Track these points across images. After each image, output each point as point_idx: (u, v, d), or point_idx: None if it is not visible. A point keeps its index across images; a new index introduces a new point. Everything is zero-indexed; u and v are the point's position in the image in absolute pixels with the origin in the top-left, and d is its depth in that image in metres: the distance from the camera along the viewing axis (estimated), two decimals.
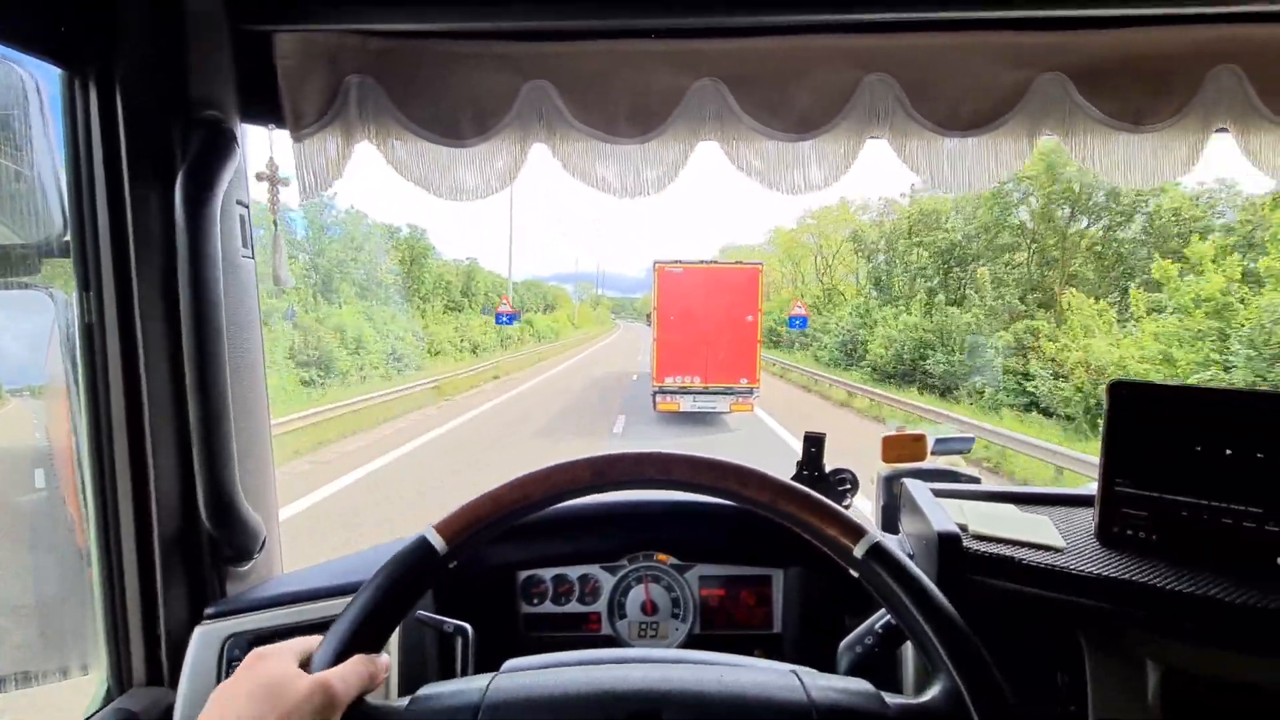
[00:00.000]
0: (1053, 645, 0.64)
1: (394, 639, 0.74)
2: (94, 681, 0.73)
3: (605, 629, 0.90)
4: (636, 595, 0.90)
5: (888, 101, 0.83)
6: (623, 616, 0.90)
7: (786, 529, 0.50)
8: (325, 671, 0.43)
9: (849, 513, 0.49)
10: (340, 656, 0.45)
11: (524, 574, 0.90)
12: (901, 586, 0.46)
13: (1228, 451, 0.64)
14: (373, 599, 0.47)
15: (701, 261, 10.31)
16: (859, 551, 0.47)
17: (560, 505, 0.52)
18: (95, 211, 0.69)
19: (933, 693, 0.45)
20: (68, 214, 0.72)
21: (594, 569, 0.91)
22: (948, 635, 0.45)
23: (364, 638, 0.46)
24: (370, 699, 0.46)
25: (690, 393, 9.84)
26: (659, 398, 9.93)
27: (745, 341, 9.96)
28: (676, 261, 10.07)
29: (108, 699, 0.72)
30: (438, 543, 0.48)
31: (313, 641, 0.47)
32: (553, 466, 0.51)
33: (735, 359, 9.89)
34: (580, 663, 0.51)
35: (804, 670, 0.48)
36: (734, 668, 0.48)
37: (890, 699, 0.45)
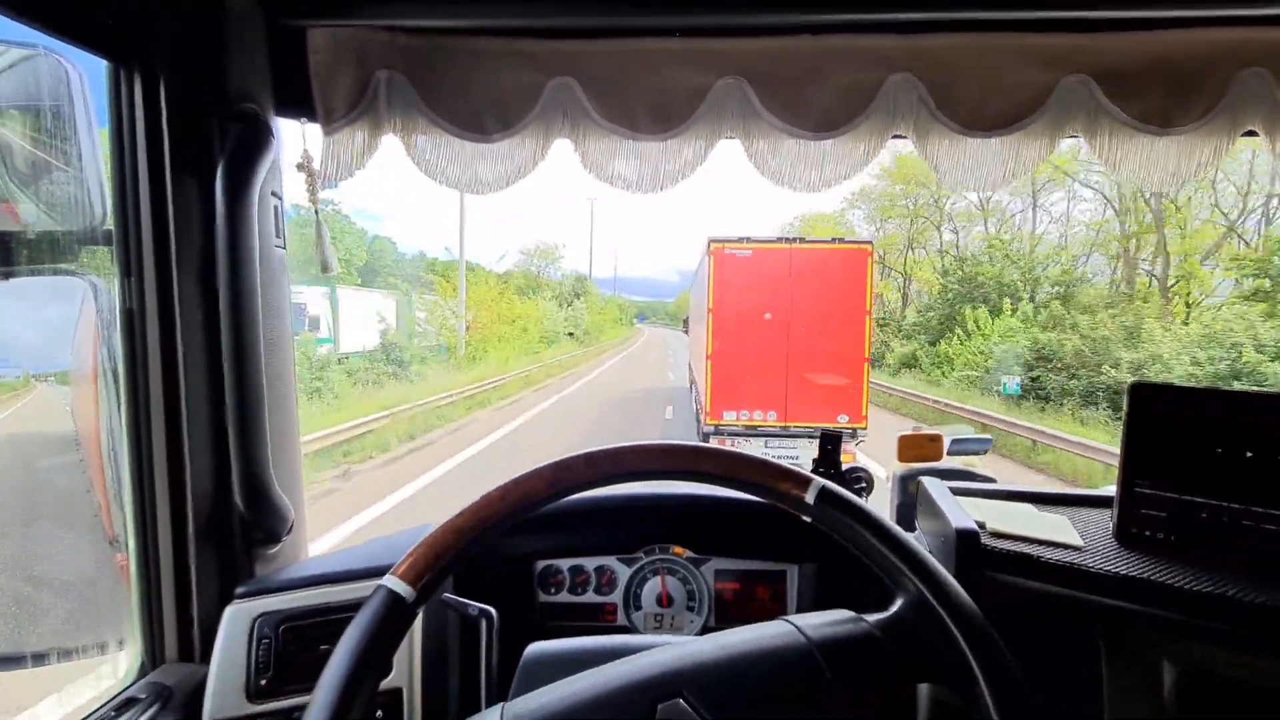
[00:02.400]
0: (1069, 644, 0.65)
1: (417, 623, 0.75)
2: (129, 656, 0.76)
3: (621, 620, 0.92)
4: (652, 587, 0.92)
5: (911, 101, 0.83)
6: (638, 608, 0.92)
7: (802, 524, 0.51)
8: None
9: (794, 467, 0.52)
10: None
11: (541, 564, 0.92)
12: (854, 519, 0.49)
13: (1248, 453, 0.64)
14: (348, 664, 0.43)
15: (782, 240, 6.63)
16: (809, 497, 0.49)
17: (576, 497, 0.52)
18: (139, 200, 0.72)
19: (900, 603, 0.49)
20: (108, 202, 0.74)
21: (610, 560, 0.93)
22: (902, 552, 0.48)
23: (346, 708, 0.42)
24: None
25: (761, 434, 6.52)
26: (713, 440, 6.41)
27: (846, 360, 6.38)
28: (743, 240, 6.51)
29: (141, 673, 0.74)
30: (403, 589, 0.45)
31: None
32: (507, 484, 0.50)
33: (831, 387, 6.42)
34: (600, 649, 0.53)
35: (794, 617, 0.50)
36: (731, 636, 0.49)
37: (869, 618, 0.49)
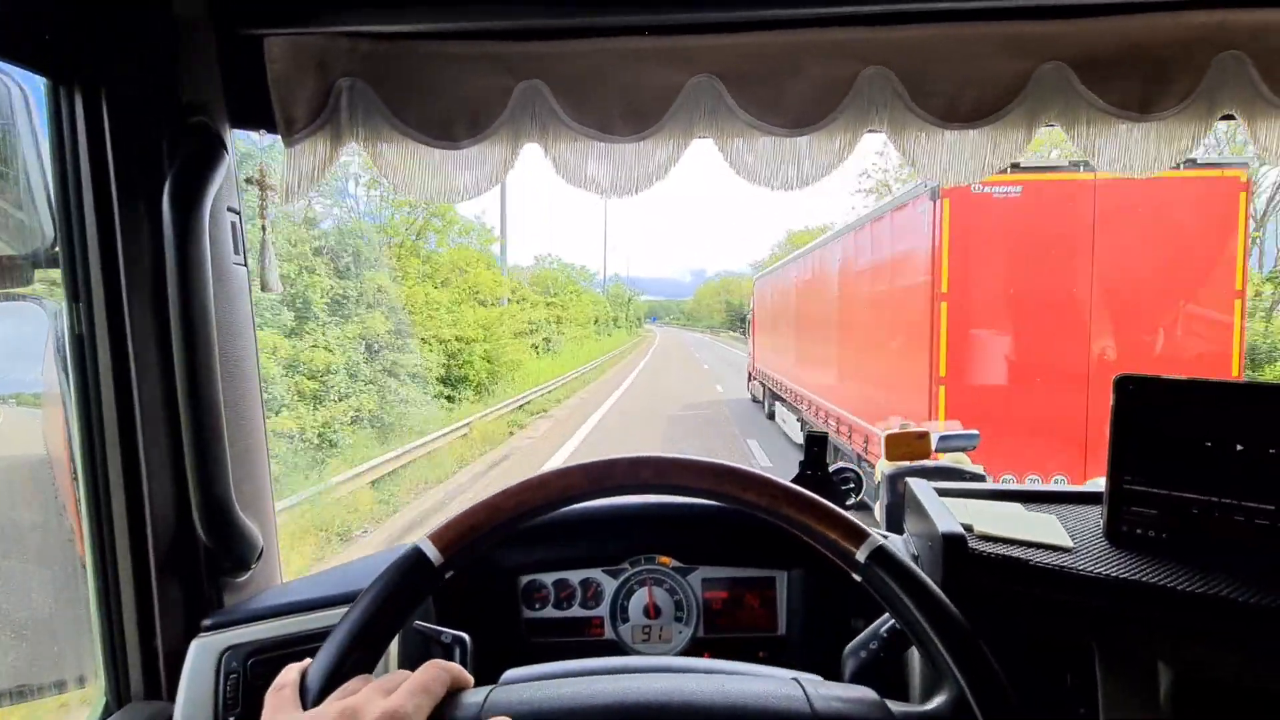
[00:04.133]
0: (1062, 647, 0.63)
1: (393, 650, 0.73)
2: (93, 695, 0.73)
3: (608, 633, 0.89)
4: (639, 599, 0.90)
5: (886, 95, 0.81)
6: (625, 620, 0.89)
7: (789, 530, 0.49)
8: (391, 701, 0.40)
9: (851, 515, 0.48)
10: (335, 673, 0.43)
11: (525, 579, 0.90)
12: (905, 591, 0.45)
13: (1238, 447, 0.62)
14: (367, 613, 0.45)
15: (1075, 168, 3.79)
16: (861, 555, 0.46)
17: (560, 510, 0.51)
18: (84, 221, 0.69)
19: (938, 701, 0.44)
20: (57, 224, 0.71)
21: (596, 573, 0.90)
22: (953, 641, 0.43)
23: (359, 653, 0.44)
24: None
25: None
26: None
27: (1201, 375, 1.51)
28: (1011, 169, 3.65)
29: (106, 713, 0.72)
30: (432, 553, 0.47)
31: (300, 666, 0.45)
32: (548, 473, 0.50)
33: None
34: (581, 673, 0.50)
35: (807, 678, 0.47)
36: (736, 676, 0.47)
37: (895, 707, 0.44)
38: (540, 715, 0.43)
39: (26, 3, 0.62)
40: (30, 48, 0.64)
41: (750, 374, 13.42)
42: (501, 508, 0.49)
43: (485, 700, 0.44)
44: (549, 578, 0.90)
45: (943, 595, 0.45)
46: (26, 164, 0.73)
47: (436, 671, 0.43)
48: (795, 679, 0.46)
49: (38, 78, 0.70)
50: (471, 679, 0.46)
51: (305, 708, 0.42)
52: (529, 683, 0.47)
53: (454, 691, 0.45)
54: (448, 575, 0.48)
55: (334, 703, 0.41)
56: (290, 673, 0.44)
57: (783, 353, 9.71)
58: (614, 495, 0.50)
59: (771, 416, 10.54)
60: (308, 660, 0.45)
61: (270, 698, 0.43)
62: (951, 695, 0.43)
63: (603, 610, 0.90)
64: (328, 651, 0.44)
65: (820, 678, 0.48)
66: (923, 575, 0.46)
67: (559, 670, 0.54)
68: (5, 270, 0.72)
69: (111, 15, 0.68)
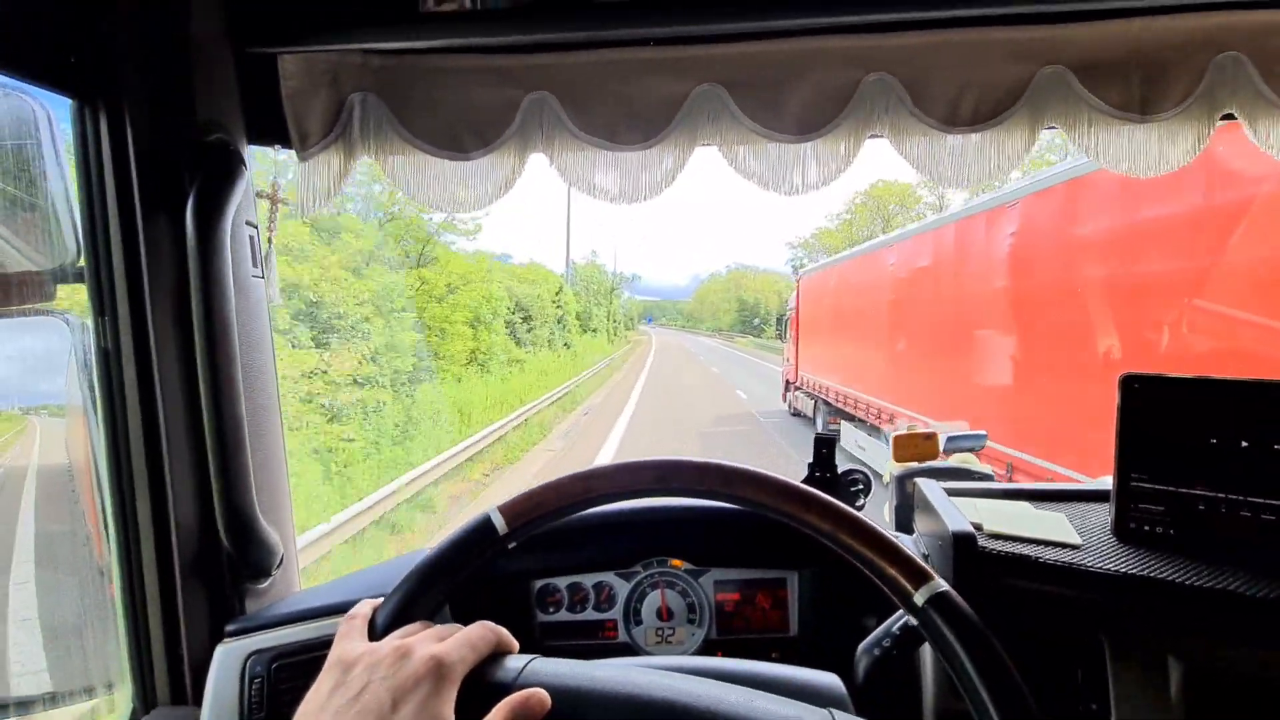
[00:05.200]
0: (1072, 644, 0.64)
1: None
2: (121, 701, 0.75)
3: (621, 636, 0.90)
4: (652, 601, 0.91)
5: (888, 100, 0.82)
6: (639, 623, 0.90)
7: (800, 531, 0.49)
8: (437, 647, 0.44)
9: (914, 553, 0.47)
10: (400, 613, 0.48)
11: (539, 583, 0.91)
12: (963, 644, 0.43)
13: (1244, 443, 0.63)
14: (434, 564, 0.49)
15: None
16: (920, 599, 0.45)
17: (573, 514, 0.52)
18: (109, 237, 0.71)
19: None
20: (81, 240, 0.73)
21: (609, 576, 0.91)
22: (1006, 701, 0.42)
23: (422, 602, 0.49)
24: None
25: None
26: None
27: None
28: None
29: (133, 718, 0.73)
30: (499, 523, 0.50)
31: (373, 602, 0.50)
32: (618, 465, 0.51)
33: None
34: (612, 665, 0.51)
35: (840, 713, 0.45)
36: (764, 686, 0.46)
37: None
38: (572, 692, 0.44)
39: (53, 27, 0.64)
40: (57, 69, 0.66)
41: (789, 382, 11.99)
42: (568, 491, 0.50)
43: (524, 668, 0.46)
44: (562, 581, 0.91)
45: (1003, 653, 0.43)
46: (49, 181, 0.75)
47: (484, 631, 0.47)
48: (829, 712, 0.44)
49: (59, 98, 0.72)
50: (516, 644, 0.49)
51: (371, 639, 0.46)
52: (568, 660, 0.47)
53: (498, 653, 0.47)
54: (510, 546, 0.50)
55: (394, 639, 0.45)
56: (364, 606, 0.50)
57: (863, 364, 7.88)
58: (677, 496, 0.51)
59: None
60: (380, 598, 0.50)
61: (344, 624, 0.48)
62: None
63: (616, 613, 0.91)
64: (397, 594, 0.49)
65: (845, 690, 0.48)
66: (984, 629, 0.44)
67: (597, 662, 0.55)
68: (31, 285, 0.74)
69: (133, 36, 0.70)
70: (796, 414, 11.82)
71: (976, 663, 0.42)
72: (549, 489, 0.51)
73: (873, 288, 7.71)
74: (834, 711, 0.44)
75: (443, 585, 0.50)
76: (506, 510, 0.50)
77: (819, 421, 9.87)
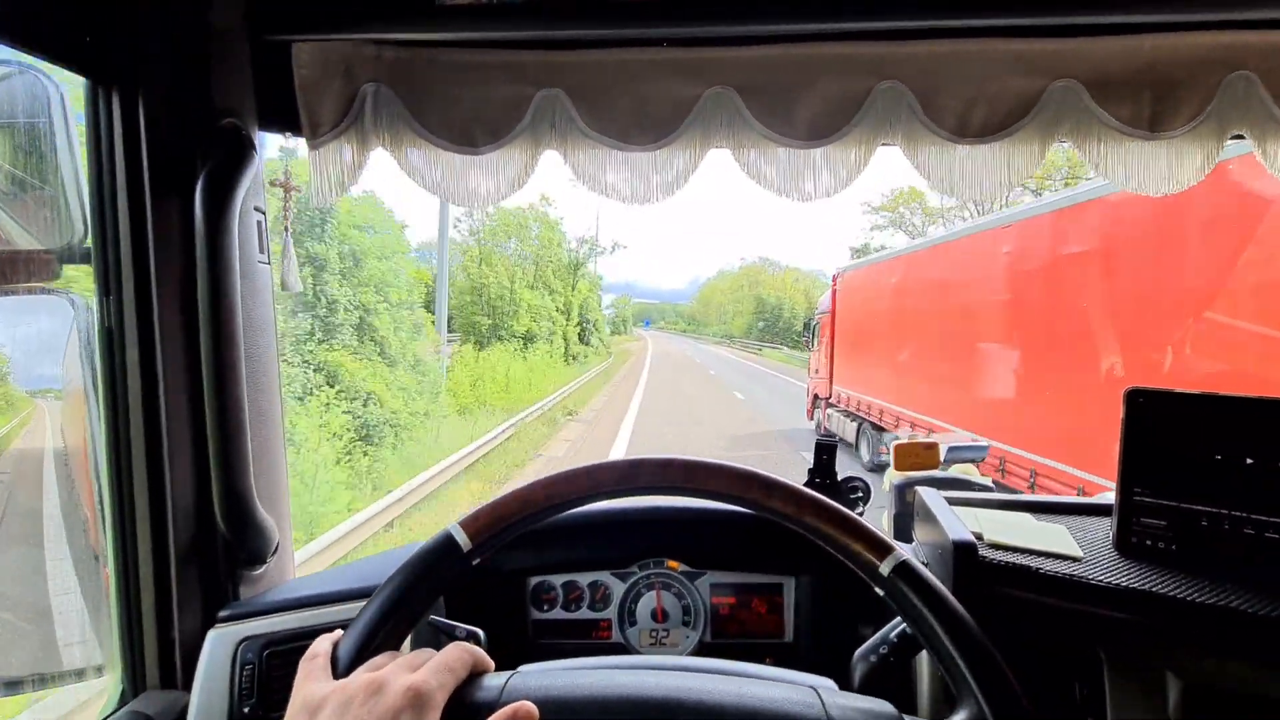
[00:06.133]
0: (1070, 656, 0.63)
1: (407, 647, 0.73)
2: (111, 683, 0.74)
3: (615, 636, 0.90)
4: (647, 602, 0.90)
5: (900, 109, 0.83)
6: (633, 624, 0.90)
7: (799, 536, 0.50)
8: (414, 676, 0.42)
9: (874, 528, 0.49)
10: (364, 646, 0.45)
11: (535, 580, 0.90)
12: (928, 606, 0.45)
13: (1248, 460, 0.63)
14: (396, 593, 0.47)
15: None
16: (885, 569, 0.46)
17: (571, 512, 0.52)
18: (117, 218, 0.70)
19: (957, 718, 0.44)
20: (89, 220, 0.73)
21: (604, 575, 0.91)
22: (974, 657, 0.44)
23: (386, 632, 0.46)
24: None
25: None
26: None
27: None
28: None
29: (122, 701, 0.72)
30: (462, 539, 0.48)
31: (332, 638, 0.47)
32: (578, 468, 0.51)
33: None
34: (594, 668, 0.50)
35: (824, 686, 0.47)
36: (752, 679, 0.47)
37: None
38: (559, 702, 0.43)
39: (71, 7, 0.64)
40: (73, 49, 0.66)
41: (818, 396, 10.03)
42: (531, 499, 0.49)
43: (505, 684, 0.45)
44: (558, 579, 0.90)
45: (964, 611, 0.46)
46: (60, 159, 0.75)
47: (460, 653, 0.45)
48: (813, 687, 0.46)
49: (72, 77, 0.72)
50: (493, 663, 0.47)
51: (335, 677, 0.43)
52: (549, 670, 0.47)
53: (475, 674, 0.46)
54: (475, 562, 0.49)
55: (362, 674, 0.42)
56: (323, 643, 0.46)
57: (940, 381, 6.07)
58: (640, 494, 0.51)
59: (878, 467, 6.80)
60: (339, 632, 0.47)
61: (303, 665, 0.45)
62: (970, 715, 0.43)
63: (610, 613, 0.90)
64: (358, 627, 0.46)
65: (836, 685, 0.48)
66: (945, 590, 0.46)
67: (572, 665, 0.55)
68: (37, 264, 0.74)
69: (151, 20, 0.70)
70: (829, 435, 11.12)
71: (943, 623, 0.45)
72: (512, 499, 0.50)
73: (968, 284, 5.68)
74: (818, 685, 0.46)
75: (406, 612, 0.47)
76: (468, 524, 0.48)
77: (864, 449, 7.95)
